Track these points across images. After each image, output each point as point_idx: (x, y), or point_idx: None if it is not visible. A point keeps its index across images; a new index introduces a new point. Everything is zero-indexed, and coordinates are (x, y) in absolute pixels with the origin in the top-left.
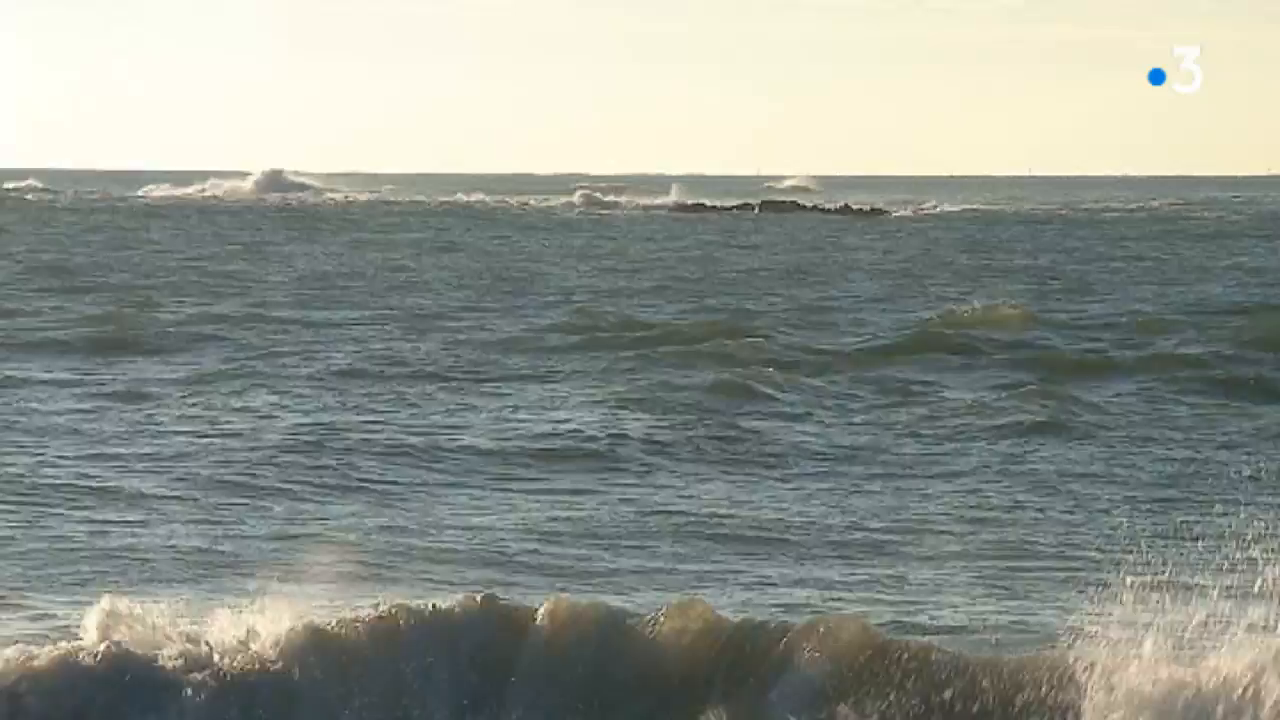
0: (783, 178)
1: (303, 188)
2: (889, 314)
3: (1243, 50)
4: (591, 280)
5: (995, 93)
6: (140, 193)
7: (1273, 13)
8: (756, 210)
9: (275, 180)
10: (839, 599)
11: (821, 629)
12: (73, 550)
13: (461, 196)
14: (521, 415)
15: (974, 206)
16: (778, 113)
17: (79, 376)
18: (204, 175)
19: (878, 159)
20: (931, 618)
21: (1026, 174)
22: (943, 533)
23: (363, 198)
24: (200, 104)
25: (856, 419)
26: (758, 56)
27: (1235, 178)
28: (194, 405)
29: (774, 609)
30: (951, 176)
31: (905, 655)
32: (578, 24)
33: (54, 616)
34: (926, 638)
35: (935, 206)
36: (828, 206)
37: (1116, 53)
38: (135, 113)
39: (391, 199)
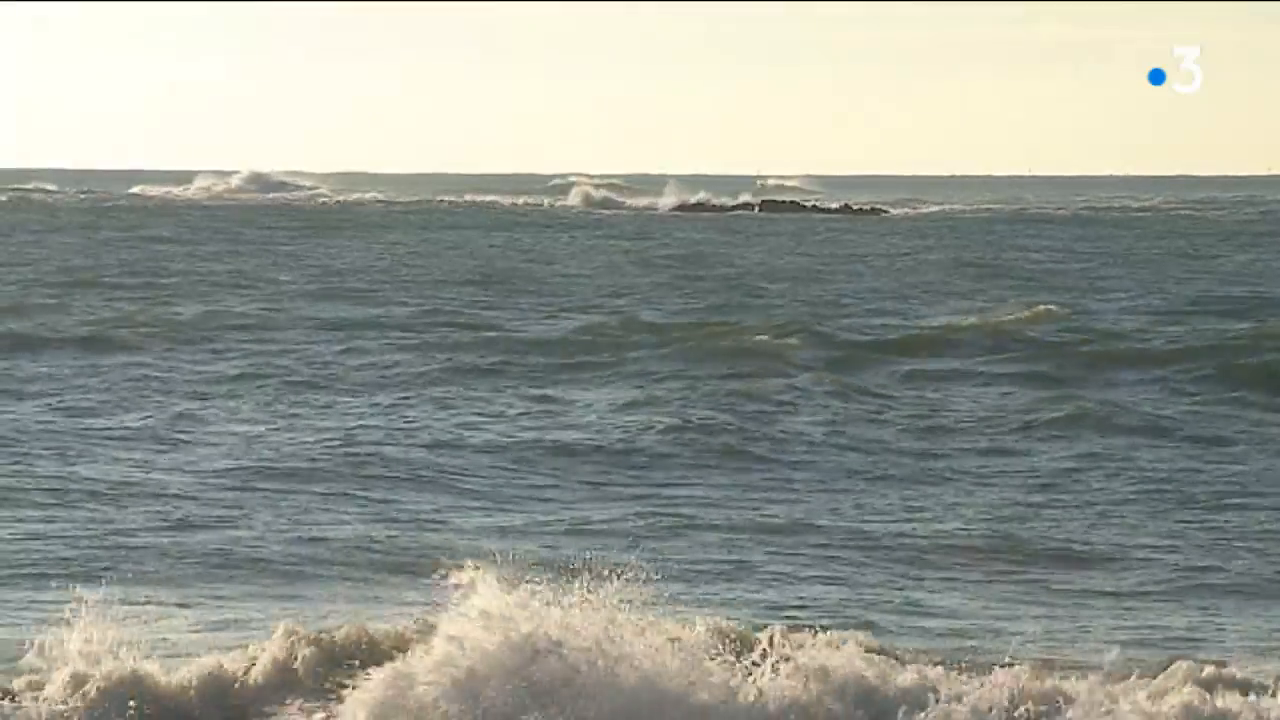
0: (775, 177)
1: (297, 187)
2: (916, 313)
3: (1243, 50)
4: (608, 280)
5: (994, 93)
6: (135, 189)
7: (1273, 13)
8: (756, 209)
9: (270, 180)
10: (850, 604)
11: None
12: (96, 549)
13: (470, 196)
14: (558, 415)
15: (976, 206)
16: (773, 112)
17: (113, 374)
18: (190, 175)
19: (871, 159)
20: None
21: (1026, 174)
22: (986, 536)
23: (367, 196)
24: (190, 103)
25: (889, 416)
26: (754, 57)
27: (1235, 177)
28: (230, 407)
29: (781, 613)
30: (952, 176)
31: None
32: (572, 23)
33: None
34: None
35: (937, 206)
36: (827, 206)
37: (1116, 53)
38: (124, 112)
39: (393, 199)
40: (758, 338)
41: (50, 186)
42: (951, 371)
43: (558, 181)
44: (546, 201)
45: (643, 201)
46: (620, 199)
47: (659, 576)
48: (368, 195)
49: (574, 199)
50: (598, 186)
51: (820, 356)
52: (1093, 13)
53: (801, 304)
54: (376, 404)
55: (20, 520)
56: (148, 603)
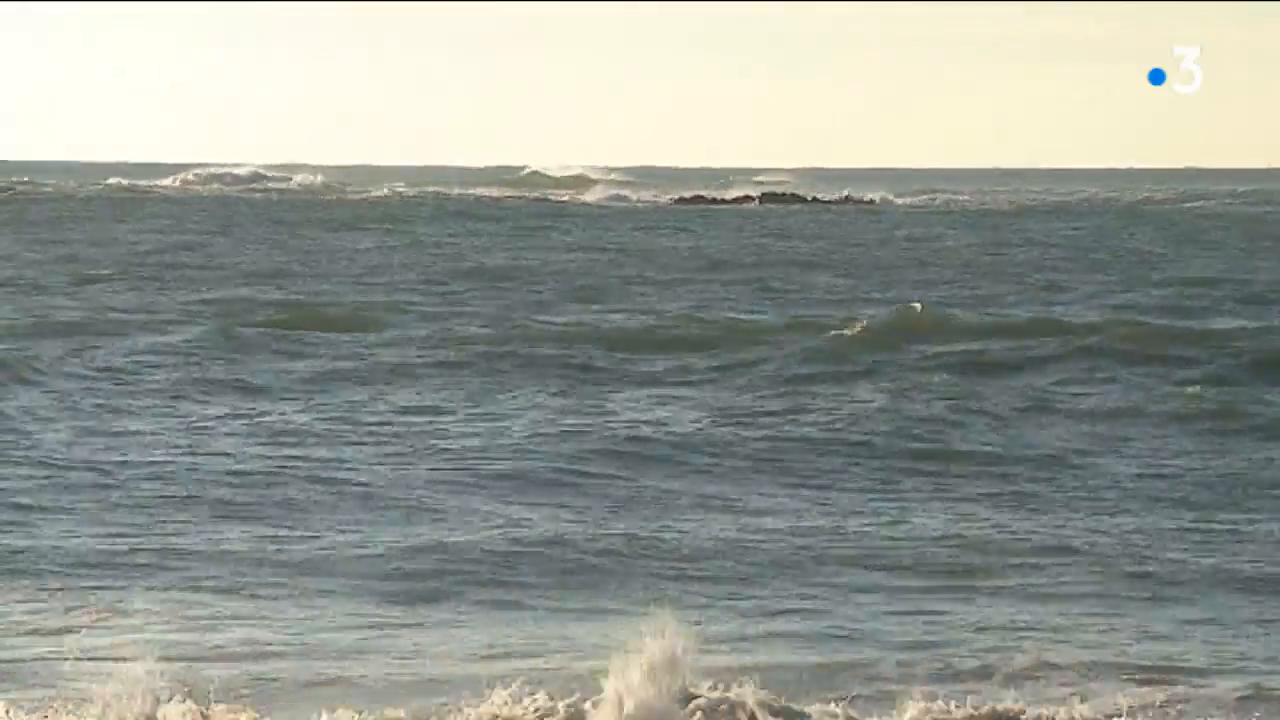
0: (764, 171)
1: (283, 179)
2: (994, 310)
3: (1243, 50)
4: (658, 275)
5: (987, 87)
6: (144, 182)
7: (1273, 13)
8: (757, 202)
9: (268, 174)
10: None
11: None
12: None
13: (490, 190)
14: (671, 414)
15: (981, 197)
16: (758, 105)
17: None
18: (179, 169)
19: (851, 152)
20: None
21: (1024, 167)
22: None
23: (402, 188)
24: (171, 95)
25: (993, 420)
26: (737, 47)
27: (1237, 170)
28: (310, 406)
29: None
30: (953, 169)
31: None
32: (563, 19)
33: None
34: None
35: (928, 196)
36: (829, 198)
37: (1116, 50)
38: (103, 104)
39: (403, 191)
40: (850, 331)
41: (40, 179)
42: (1074, 377)
43: (531, 171)
44: (552, 195)
45: (644, 195)
46: (622, 192)
47: None
48: (382, 190)
49: (569, 193)
50: (606, 180)
51: (935, 360)
52: (1092, 12)
53: (882, 301)
54: (500, 407)
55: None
56: None
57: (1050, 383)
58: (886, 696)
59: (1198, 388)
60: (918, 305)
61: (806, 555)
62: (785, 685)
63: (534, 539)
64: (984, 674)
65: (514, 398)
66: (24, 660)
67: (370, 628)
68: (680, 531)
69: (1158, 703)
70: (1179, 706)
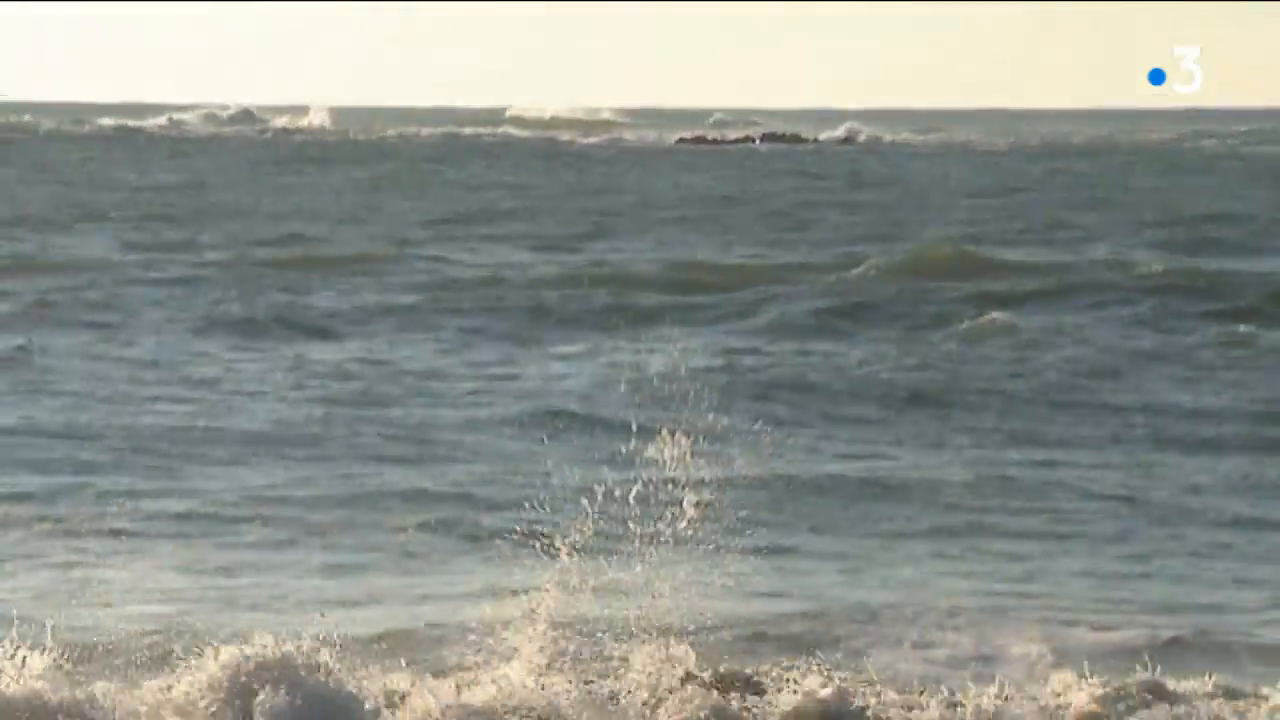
0: (750, 111)
1: (260, 121)
2: (1008, 247)
3: (1243, 50)
4: (669, 214)
5: (983, 27)
6: (106, 120)
7: (1273, 12)
8: (758, 142)
9: (259, 115)
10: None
11: None
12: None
13: (496, 129)
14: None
15: (984, 137)
16: (747, 48)
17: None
18: (159, 109)
19: (847, 92)
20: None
21: (1021, 108)
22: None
23: (413, 129)
24: (153, 35)
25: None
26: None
27: (1234, 110)
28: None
29: None
30: (952, 110)
31: None
32: None
33: None
34: None
35: (942, 136)
36: (826, 138)
37: (1116, 51)
38: (86, 45)
39: (415, 131)
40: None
41: (30, 117)
42: (1102, 318)
43: (514, 114)
44: (555, 135)
45: (648, 135)
46: (622, 134)
47: None
48: (387, 131)
49: (571, 133)
50: (600, 121)
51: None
52: (1092, 12)
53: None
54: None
55: None
56: None
57: (1070, 319)
58: (863, 634)
59: (1232, 327)
60: (945, 246)
61: (817, 495)
62: (770, 630)
63: (559, 481)
64: (962, 615)
65: (533, 339)
66: (38, 605)
67: (386, 572)
68: (700, 470)
69: (1157, 642)
70: (1179, 645)
